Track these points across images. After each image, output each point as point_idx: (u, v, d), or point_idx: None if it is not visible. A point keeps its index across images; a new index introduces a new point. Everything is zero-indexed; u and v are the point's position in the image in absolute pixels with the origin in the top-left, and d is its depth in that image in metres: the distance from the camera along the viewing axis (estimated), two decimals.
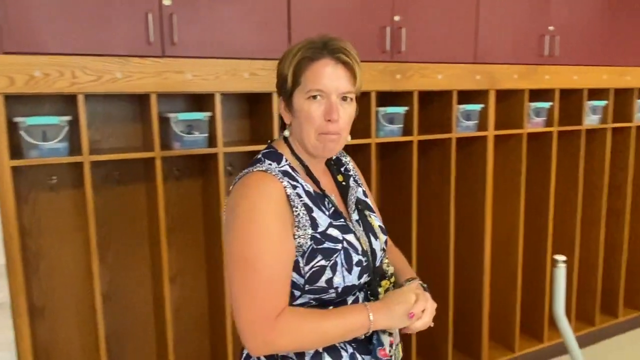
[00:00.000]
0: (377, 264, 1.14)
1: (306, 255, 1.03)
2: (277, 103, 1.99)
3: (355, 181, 1.24)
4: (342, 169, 1.23)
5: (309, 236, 1.03)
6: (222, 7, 1.86)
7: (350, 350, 1.08)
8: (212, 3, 1.84)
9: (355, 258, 1.06)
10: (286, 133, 1.13)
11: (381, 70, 2.18)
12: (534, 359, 2.87)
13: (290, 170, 1.09)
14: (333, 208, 1.10)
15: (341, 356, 1.07)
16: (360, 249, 1.08)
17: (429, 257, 2.56)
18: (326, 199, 1.10)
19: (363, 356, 1.10)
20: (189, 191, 2.15)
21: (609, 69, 2.84)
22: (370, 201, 1.24)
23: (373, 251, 1.13)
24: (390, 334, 1.10)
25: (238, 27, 1.90)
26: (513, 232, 2.70)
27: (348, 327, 1.02)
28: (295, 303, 1.06)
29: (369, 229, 1.15)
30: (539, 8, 2.56)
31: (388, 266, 1.16)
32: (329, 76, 1.04)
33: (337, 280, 1.03)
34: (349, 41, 1.09)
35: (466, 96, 2.50)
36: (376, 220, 1.19)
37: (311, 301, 1.06)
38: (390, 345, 1.11)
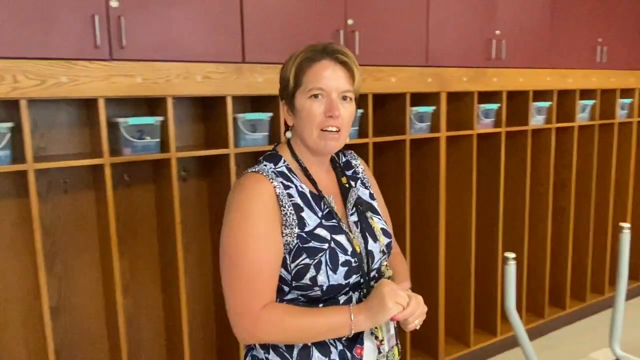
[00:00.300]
0: (376, 265, 1.15)
1: (292, 253, 1.07)
2: (230, 106, 2.00)
3: (363, 183, 1.26)
4: (351, 172, 1.26)
5: (295, 235, 1.07)
6: (173, 9, 1.83)
7: (340, 347, 1.11)
8: (162, 5, 1.80)
9: (342, 258, 1.09)
10: (288, 135, 1.17)
11: None
12: (488, 353, 2.97)
13: (286, 171, 1.13)
14: (328, 209, 1.13)
15: (330, 352, 1.10)
16: (350, 250, 1.10)
17: None
18: (322, 200, 1.13)
19: (354, 355, 1.12)
20: (141, 198, 2.09)
21: (552, 71, 2.97)
22: (376, 203, 1.25)
23: (370, 253, 1.14)
24: (377, 337, 1.12)
25: (190, 30, 1.87)
26: (466, 230, 2.78)
27: (328, 326, 1.06)
28: (285, 298, 1.11)
29: (368, 230, 1.16)
30: (485, 13, 2.65)
31: (387, 268, 1.18)
32: (329, 76, 1.09)
33: (321, 279, 1.07)
34: (347, 48, 1.15)
35: (419, 98, 2.55)
36: (379, 223, 1.20)
37: (299, 297, 1.10)
38: (379, 350, 1.12)
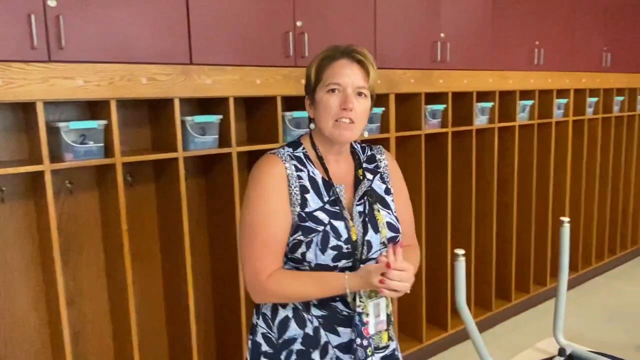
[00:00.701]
0: (374, 255, 1.23)
1: (292, 228, 1.20)
2: (178, 109, 1.96)
3: (382, 178, 1.33)
4: (373, 165, 1.34)
5: (297, 213, 1.20)
6: (116, 8, 1.76)
7: (316, 324, 1.22)
8: (103, 3, 1.73)
9: (333, 242, 1.18)
10: (311, 126, 1.28)
11: (286, 75, 2.19)
12: (439, 347, 3.04)
13: (302, 157, 1.25)
14: (335, 196, 1.23)
15: (306, 325, 1.23)
16: (345, 236, 1.19)
17: None
18: (332, 187, 1.24)
19: (327, 333, 1.22)
20: (85, 205, 2.00)
21: (494, 73, 3.09)
22: (390, 198, 1.32)
23: (368, 242, 1.22)
24: (361, 319, 1.20)
25: (134, 30, 1.81)
26: (416, 228, 2.83)
27: (324, 278, 1.18)
28: (284, 267, 1.23)
29: (371, 221, 1.24)
30: (430, 17, 2.72)
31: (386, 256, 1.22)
32: (346, 73, 1.21)
33: (310, 256, 1.18)
34: (366, 49, 1.25)
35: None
36: (386, 216, 1.27)
37: (295, 268, 1.23)
38: (364, 336, 1.20)
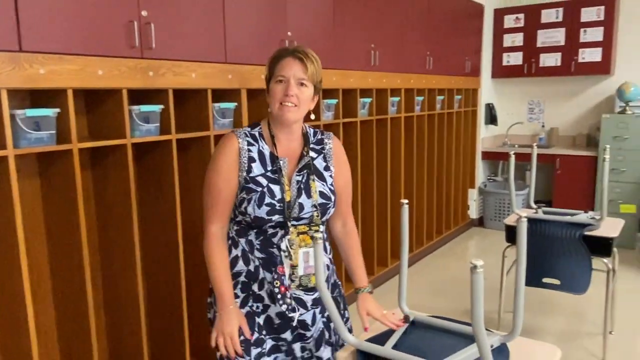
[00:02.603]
0: (305, 215, 1.56)
1: (240, 188, 1.56)
2: (5, 101, 1.74)
3: (325, 157, 1.66)
4: (320, 147, 1.66)
5: (243, 177, 1.55)
6: None
7: (257, 263, 1.58)
8: None
9: (268, 200, 1.53)
10: (270, 110, 1.57)
11: (132, 67, 2.08)
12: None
13: (257, 135, 1.60)
14: (277, 166, 1.56)
15: (249, 264, 1.59)
16: (279, 197, 1.54)
17: (196, 255, 2.56)
18: (277, 160, 1.57)
19: (264, 271, 1.57)
20: None
21: (338, 72, 3.30)
22: (328, 174, 1.64)
23: (300, 204, 1.55)
24: (281, 260, 1.56)
25: None
26: None
27: (221, 290, 1.56)
28: (236, 219, 1.60)
29: (305, 188, 1.58)
30: (277, 15, 2.80)
31: (318, 217, 1.58)
32: (290, 67, 1.53)
33: (250, 210, 1.53)
34: (310, 49, 1.57)
35: (220, 95, 2.58)
36: (320, 186, 1.60)
37: (243, 221, 1.58)
38: (278, 273, 1.56)
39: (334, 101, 3.34)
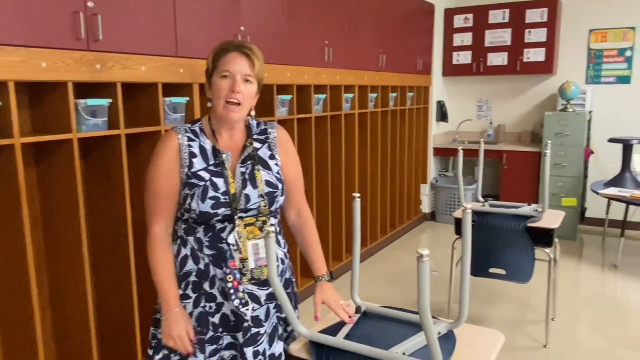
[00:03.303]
0: (253, 206, 1.54)
1: (182, 185, 1.53)
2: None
3: (269, 146, 1.63)
4: (264, 137, 1.64)
5: (185, 173, 1.53)
6: None
7: (207, 261, 1.56)
8: None
9: (212, 194, 1.50)
10: (209, 105, 1.55)
11: (78, 60, 2.02)
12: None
13: (197, 130, 1.57)
14: (220, 160, 1.54)
15: (199, 262, 1.56)
16: (223, 190, 1.51)
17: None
18: (219, 154, 1.54)
19: (215, 269, 1.55)
20: None
21: (292, 68, 3.31)
22: (274, 163, 1.62)
23: (246, 196, 1.54)
24: (231, 254, 1.53)
25: None
26: None
27: (165, 290, 1.53)
28: (183, 218, 1.57)
29: (250, 179, 1.55)
30: (231, 9, 2.78)
31: (266, 207, 1.56)
32: (236, 63, 1.50)
33: (194, 206, 1.51)
34: (255, 45, 1.56)
35: (172, 89, 2.54)
36: (266, 176, 1.58)
37: (189, 219, 1.55)
38: (230, 268, 1.53)
39: (289, 97, 3.35)
